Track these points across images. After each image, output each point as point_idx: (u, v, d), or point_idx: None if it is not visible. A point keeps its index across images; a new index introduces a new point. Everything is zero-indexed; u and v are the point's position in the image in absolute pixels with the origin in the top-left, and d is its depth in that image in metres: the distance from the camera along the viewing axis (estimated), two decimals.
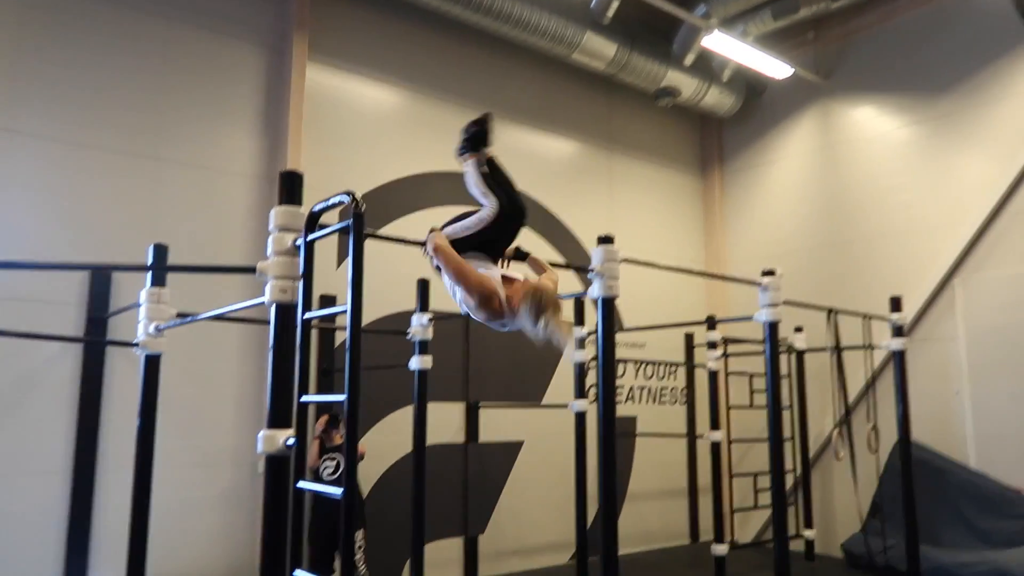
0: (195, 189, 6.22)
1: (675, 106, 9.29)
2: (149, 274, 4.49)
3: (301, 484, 2.98)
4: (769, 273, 5.23)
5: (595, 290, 4.29)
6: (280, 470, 2.97)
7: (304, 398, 3.02)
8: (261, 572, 2.92)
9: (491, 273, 3.49)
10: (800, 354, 8.17)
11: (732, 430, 8.09)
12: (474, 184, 3.65)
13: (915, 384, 6.89)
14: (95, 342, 5.46)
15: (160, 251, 4.50)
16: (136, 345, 4.45)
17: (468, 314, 3.54)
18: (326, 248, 6.46)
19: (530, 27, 7.57)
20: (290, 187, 3.20)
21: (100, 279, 5.61)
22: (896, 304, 6.37)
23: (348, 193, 3.00)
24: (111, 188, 5.82)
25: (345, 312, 2.86)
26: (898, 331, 6.30)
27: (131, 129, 5.96)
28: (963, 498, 7.08)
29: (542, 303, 3.32)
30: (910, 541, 5.99)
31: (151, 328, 4.41)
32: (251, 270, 3.21)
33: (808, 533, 8.00)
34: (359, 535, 5.81)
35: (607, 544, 4.14)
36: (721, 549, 7.19)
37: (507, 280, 3.50)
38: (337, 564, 5.65)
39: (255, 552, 5.97)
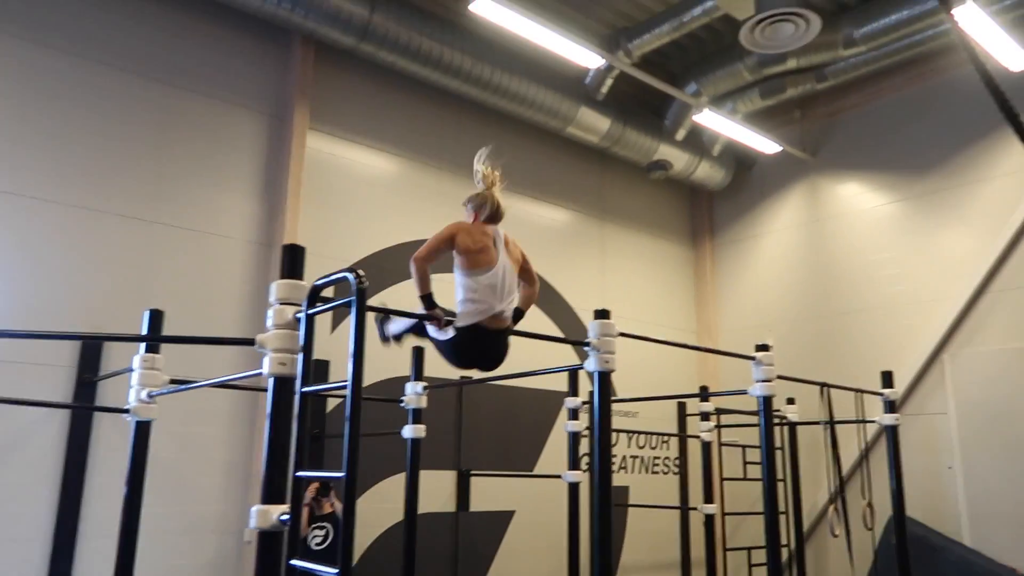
0: (192, 253, 6.26)
1: (667, 179, 9.49)
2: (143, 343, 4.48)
3: (294, 562, 2.92)
4: (763, 348, 5.26)
5: (591, 364, 4.31)
6: (273, 546, 2.92)
7: (300, 473, 2.99)
8: None
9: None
10: (793, 426, 8.15)
11: (725, 502, 8.00)
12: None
13: (908, 458, 6.87)
14: (85, 408, 5.41)
15: (156, 317, 4.50)
16: (127, 412, 4.41)
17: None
18: (320, 316, 6.46)
19: (526, 102, 7.78)
20: (292, 260, 3.24)
21: (91, 344, 5.58)
22: (888, 379, 6.41)
23: (351, 270, 3.03)
24: (108, 250, 5.85)
25: (345, 387, 2.86)
26: (890, 407, 6.32)
27: (130, 193, 6.02)
28: None
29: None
30: None
31: (143, 394, 4.37)
32: (250, 342, 3.22)
33: None
34: None
35: None
36: None
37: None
38: None
39: None
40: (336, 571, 2.68)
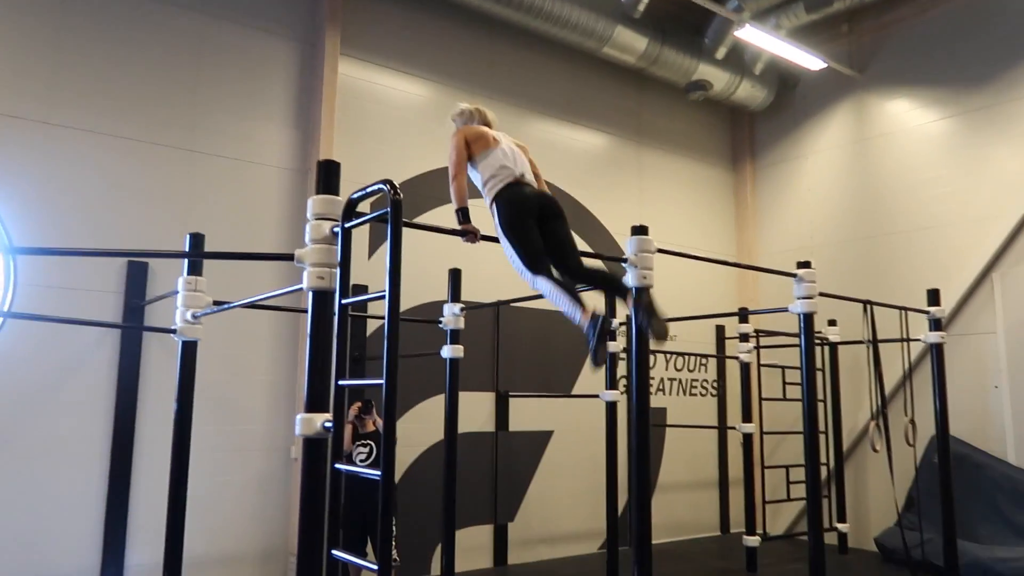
0: (228, 180, 6.31)
1: (706, 100, 9.22)
2: (185, 262, 4.57)
3: (338, 466, 3.02)
4: (804, 265, 5.18)
5: (629, 280, 4.28)
6: (317, 452, 3.02)
7: (341, 382, 3.06)
8: (299, 551, 2.97)
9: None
10: (834, 347, 8.08)
11: (764, 422, 8.02)
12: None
13: (953, 378, 6.78)
14: (133, 328, 5.58)
15: (196, 240, 4.58)
16: (174, 332, 4.53)
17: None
18: (358, 240, 6.52)
19: (560, 21, 7.56)
20: (327, 176, 3.24)
21: (137, 268, 5.73)
22: (934, 297, 6.27)
23: (385, 181, 3.03)
24: (147, 179, 5.94)
25: (383, 298, 2.89)
26: (936, 324, 6.21)
27: (166, 122, 6.06)
28: (1001, 493, 6.96)
29: None
30: (947, 536, 5.90)
31: (188, 315, 4.49)
32: (289, 257, 3.25)
33: (842, 526, 7.93)
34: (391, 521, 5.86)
35: (640, 533, 4.14)
36: (752, 540, 7.16)
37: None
38: (369, 549, 5.72)
39: (288, 535, 6.08)
40: (379, 473, 2.76)
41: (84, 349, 5.54)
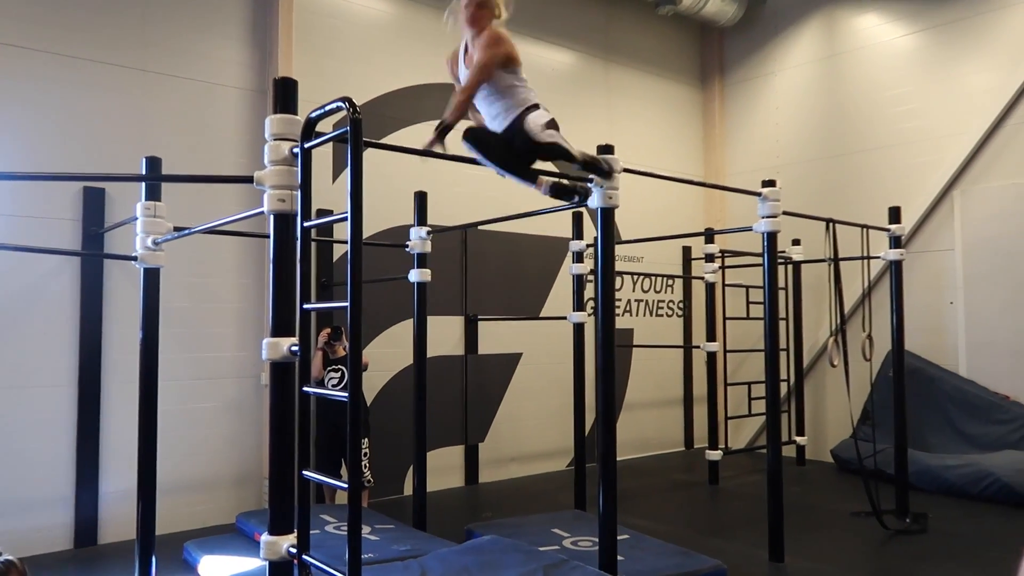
0: (184, 102, 6.10)
1: (675, 15, 9.03)
2: (143, 187, 4.44)
3: (306, 389, 3.03)
4: (769, 184, 5.19)
5: (594, 200, 4.26)
6: (285, 376, 3.02)
7: (306, 306, 3.04)
8: (270, 473, 3.01)
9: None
10: (797, 266, 8.22)
11: (728, 341, 8.21)
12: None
13: (910, 294, 6.96)
14: (94, 255, 5.47)
15: (153, 163, 4.44)
16: (135, 259, 4.44)
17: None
18: (321, 164, 6.39)
19: None
20: (285, 94, 3.14)
21: (94, 195, 5.57)
22: (895, 215, 6.35)
23: (344, 99, 2.94)
24: (99, 101, 5.71)
25: (345, 219, 2.85)
26: (896, 242, 6.31)
27: (116, 40, 5.80)
28: (952, 405, 7.26)
29: None
30: (899, 445, 6.16)
31: (148, 242, 4.39)
32: (248, 180, 3.18)
33: (800, 439, 8.24)
34: (363, 443, 5.96)
35: (606, 450, 4.25)
36: (715, 455, 7.42)
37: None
38: (343, 472, 5.83)
39: (262, 460, 6.16)
40: (346, 395, 2.77)
41: (43, 278, 5.43)
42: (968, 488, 6.50)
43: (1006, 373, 7.11)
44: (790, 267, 8.23)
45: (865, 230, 6.25)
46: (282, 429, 3.00)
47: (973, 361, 7.39)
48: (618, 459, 4.36)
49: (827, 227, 5.87)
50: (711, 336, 7.63)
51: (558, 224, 7.14)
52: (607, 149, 4.33)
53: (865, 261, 6.38)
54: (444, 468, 7.21)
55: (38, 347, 5.38)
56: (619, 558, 4.21)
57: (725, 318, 7.95)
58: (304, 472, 3.04)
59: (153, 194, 4.41)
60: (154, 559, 4.29)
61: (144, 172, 4.40)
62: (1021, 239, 7.10)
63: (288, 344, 2.96)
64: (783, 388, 7.11)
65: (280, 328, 3.00)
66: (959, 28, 7.75)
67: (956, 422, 7.19)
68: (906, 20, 8.17)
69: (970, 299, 7.45)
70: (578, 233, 6.55)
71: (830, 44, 8.83)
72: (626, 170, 4.37)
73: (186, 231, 4.31)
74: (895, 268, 6.32)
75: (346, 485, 2.82)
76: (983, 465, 6.52)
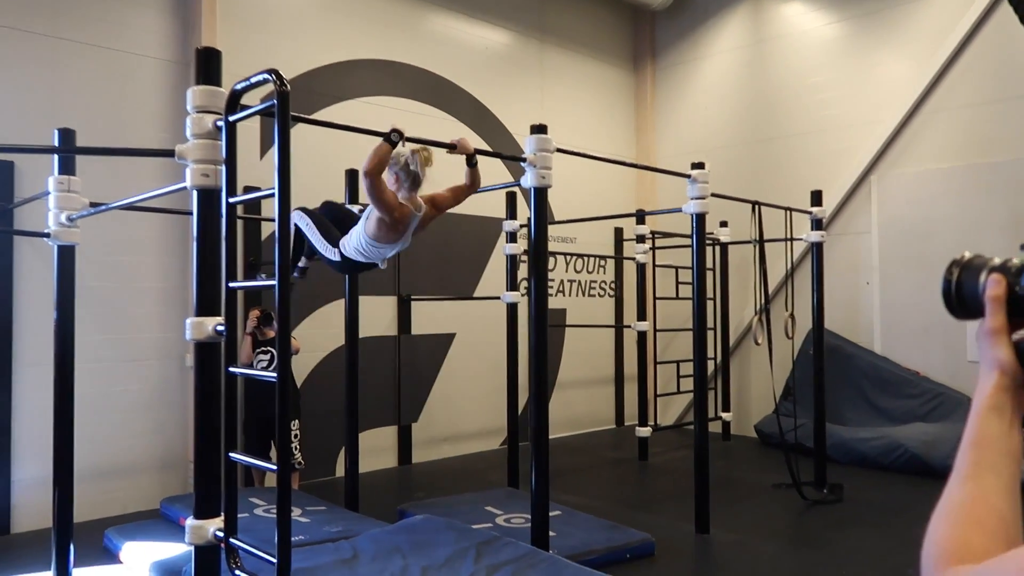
0: (100, 72, 5.82)
1: None
2: (56, 160, 4.22)
3: (232, 369, 2.96)
4: (698, 166, 5.30)
5: (528, 180, 4.27)
6: (210, 357, 2.94)
7: (232, 284, 2.96)
8: (195, 456, 2.93)
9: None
10: (724, 247, 8.43)
11: (658, 320, 8.37)
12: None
13: (830, 275, 7.22)
14: (2, 232, 5.19)
15: (67, 135, 4.23)
16: (47, 236, 4.23)
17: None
18: (248, 139, 6.20)
19: None
20: (207, 64, 3.03)
21: (2, 169, 5.27)
22: (816, 198, 6.57)
23: (271, 71, 2.86)
24: (7, 70, 5.40)
25: (273, 195, 2.78)
26: (817, 224, 6.53)
27: (25, 5, 5.47)
28: (867, 380, 7.60)
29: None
30: (817, 420, 6.41)
31: (62, 218, 4.19)
32: (169, 154, 3.06)
33: (726, 415, 8.50)
34: (294, 425, 5.87)
35: (538, 428, 4.30)
36: (644, 431, 7.59)
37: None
38: (272, 454, 5.72)
39: (187, 443, 5.99)
40: (275, 376, 2.72)
41: None
42: (880, 459, 6.83)
43: (917, 350, 7.47)
44: (718, 248, 8.43)
45: (789, 213, 6.44)
46: (207, 410, 2.92)
47: (887, 339, 7.74)
48: (550, 437, 4.41)
49: (753, 209, 6.03)
50: (642, 316, 7.77)
51: (492, 204, 7.13)
52: (540, 128, 4.34)
53: (788, 243, 6.59)
54: (377, 449, 7.16)
55: None
56: (551, 534, 4.28)
57: (655, 298, 8.11)
58: (231, 454, 2.98)
59: (67, 168, 4.20)
60: (72, 547, 4.14)
61: (56, 143, 4.18)
62: (933, 223, 7.44)
63: (213, 324, 2.88)
64: (710, 366, 7.29)
65: (204, 307, 2.92)
66: (878, 18, 8.02)
67: (871, 397, 7.53)
68: (829, 9, 8.41)
69: (885, 280, 7.79)
70: (511, 213, 6.55)
71: (757, 31, 9.03)
72: (559, 150, 4.39)
73: (103, 207, 4.13)
74: (816, 250, 6.55)
75: (275, 467, 2.77)
76: (894, 437, 6.86)
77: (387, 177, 3.80)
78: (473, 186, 4.06)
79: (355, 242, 3.95)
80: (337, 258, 4.08)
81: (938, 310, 0.98)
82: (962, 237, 7.15)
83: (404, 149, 3.75)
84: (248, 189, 5.89)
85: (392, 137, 3.56)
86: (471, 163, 3.98)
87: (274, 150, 2.82)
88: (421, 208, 3.92)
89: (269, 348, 5.86)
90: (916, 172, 7.63)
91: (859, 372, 7.67)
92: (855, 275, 8.03)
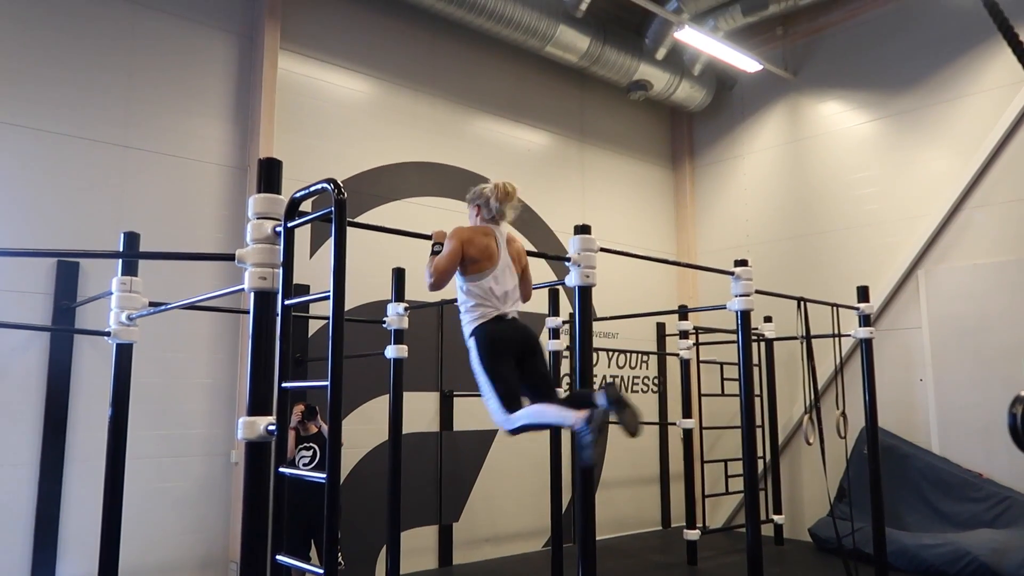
0: (164, 178, 6.14)
1: (647, 100, 9.37)
2: (120, 262, 4.42)
3: (283, 470, 2.97)
4: (741, 263, 5.31)
5: (572, 279, 4.32)
6: (260, 456, 2.96)
7: (285, 384, 3.01)
8: (242, 557, 2.91)
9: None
10: (770, 343, 8.32)
11: (704, 417, 8.21)
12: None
13: (881, 372, 7.04)
14: (65, 331, 5.38)
15: (131, 239, 4.44)
16: (107, 334, 4.38)
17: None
18: (299, 239, 6.41)
19: (503, 19, 7.58)
20: (269, 174, 3.18)
21: (67, 268, 5.52)
22: (863, 294, 6.51)
23: (329, 181, 2.99)
24: (79, 177, 5.73)
25: (327, 299, 2.86)
26: (865, 320, 6.44)
27: (99, 117, 5.86)
28: (926, 482, 7.28)
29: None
30: (876, 524, 6.13)
31: (123, 317, 4.34)
32: (230, 257, 3.18)
33: (777, 518, 8.17)
34: None
35: (584, 530, 4.19)
36: (693, 534, 7.32)
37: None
38: (313, 553, 5.65)
39: (228, 542, 5.96)
40: (324, 476, 2.72)
41: (10, 352, 5.31)
42: (947, 568, 6.45)
43: (978, 450, 7.17)
44: (763, 344, 8.33)
45: (835, 309, 6.37)
46: (256, 511, 2.92)
47: (945, 438, 7.45)
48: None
49: (798, 305, 5.98)
50: (687, 413, 7.63)
51: (534, 301, 7.17)
52: (584, 228, 4.42)
53: (836, 339, 6.48)
54: (417, 549, 7.02)
55: (1, 423, 5.21)
56: None
57: (700, 395, 7.97)
58: (277, 557, 2.95)
59: (130, 269, 4.39)
60: None
61: (122, 247, 4.39)
62: (986, 317, 7.28)
63: (265, 423, 2.92)
64: (759, 465, 7.08)
65: (257, 407, 2.96)
66: (917, 116, 8.12)
67: (931, 500, 7.20)
68: (865, 108, 8.55)
69: (939, 376, 7.57)
70: (554, 310, 6.59)
71: (795, 129, 9.19)
72: (603, 249, 4.44)
73: (163, 307, 4.27)
74: (865, 346, 6.43)
75: (321, 571, 2.74)
76: (960, 544, 6.50)
77: (469, 211, 4.02)
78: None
79: (466, 301, 3.83)
80: (474, 350, 3.82)
81: (998, 408, 0.97)
82: (1019, 331, 6.97)
83: (487, 184, 3.96)
84: (298, 287, 6.05)
85: (434, 248, 3.73)
86: None
87: (327, 252, 2.92)
88: (500, 228, 3.93)
89: (312, 444, 5.87)
90: (965, 267, 7.53)
91: (917, 473, 7.36)
92: (907, 372, 7.82)
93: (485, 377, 3.73)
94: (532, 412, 3.65)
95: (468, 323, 3.86)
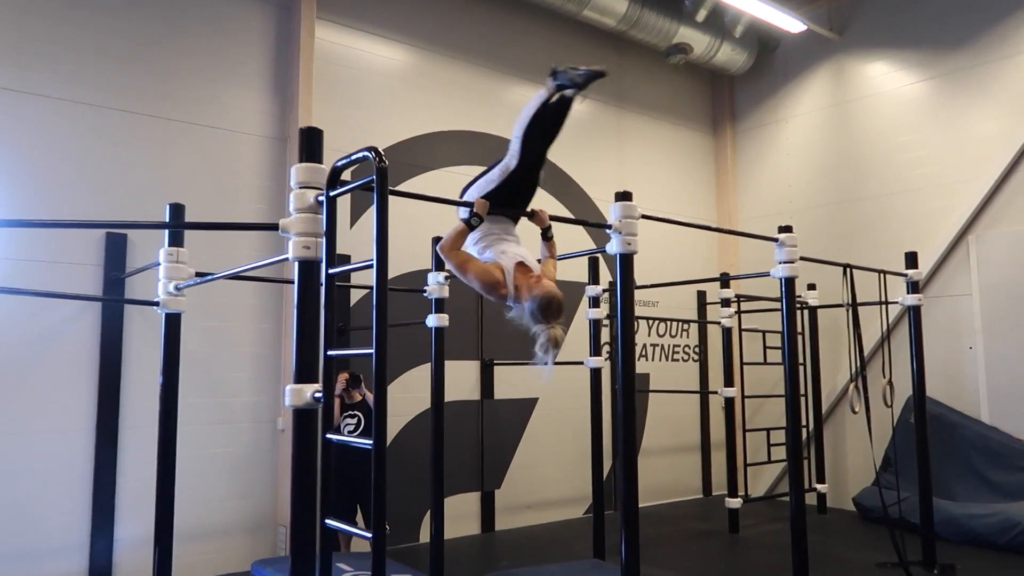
0: (206, 150, 6.21)
1: (686, 63, 9.17)
2: (167, 233, 4.50)
3: (329, 436, 3.02)
4: (786, 229, 5.21)
5: (613, 246, 4.28)
6: (308, 423, 3.01)
7: (330, 352, 3.04)
8: (292, 522, 2.97)
9: (504, 257, 3.65)
10: (813, 311, 8.18)
11: (745, 386, 8.13)
12: (524, 116, 3.83)
13: (929, 340, 6.89)
14: (116, 301, 5.51)
15: (177, 210, 4.51)
16: (157, 304, 4.48)
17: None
18: (340, 209, 6.45)
19: None
20: (310, 143, 3.18)
21: (116, 241, 5.64)
22: (912, 260, 6.34)
23: (370, 149, 2.99)
24: (123, 149, 5.82)
25: (370, 267, 2.87)
26: (913, 287, 6.29)
27: (140, 90, 5.93)
28: (975, 452, 7.14)
29: (550, 310, 3.49)
30: (923, 494, 6.04)
31: (171, 287, 4.44)
32: (274, 227, 3.22)
33: (821, 487, 8.10)
34: None
35: (627, 497, 4.19)
36: (734, 502, 7.30)
37: (523, 268, 3.63)
38: (359, 518, 5.77)
39: (276, 507, 6.11)
40: (371, 442, 2.76)
41: (64, 323, 5.47)
42: (995, 538, 6.35)
43: None
44: (806, 312, 8.19)
45: (882, 276, 6.23)
46: (305, 477, 2.97)
47: (995, 407, 7.29)
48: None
49: (844, 272, 5.86)
50: (728, 382, 7.57)
51: (574, 269, 7.16)
52: (625, 195, 4.36)
53: (883, 306, 6.35)
54: (460, 515, 7.12)
55: (57, 392, 5.39)
56: None
57: (743, 363, 7.89)
58: (327, 521, 3.02)
59: (176, 240, 4.47)
60: None
61: (168, 218, 4.46)
62: None
63: (312, 391, 2.96)
64: (803, 434, 7.01)
65: (304, 375, 3.00)
66: (966, 76, 7.83)
67: (980, 469, 7.06)
68: (913, 69, 8.26)
69: (989, 344, 7.38)
70: (594, 278, 6.55)
71: (839, 92, 8.93)
72: (645, 216, 4.39)
73: (209, 277, 4.35)
74: (913, 313, 6.29)
75: (369, 535, 2.79)
76: (1011, 514, 6.39)
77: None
78: (552, 257, 4.08)
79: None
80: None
81: None
82: None
83: (541, 331, 3.56)
84: (340, 256, 6.09)
85: (472, 221, 3.66)
86: (547, 236, 4.01)
87: (369, 221, 2.92)
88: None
89: (356, 412, 5.97)
90: (1017, 231, 7.29)
91: (966, 443, 7.22)
92: (956, 340, 7.64)
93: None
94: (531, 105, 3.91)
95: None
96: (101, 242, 5.61)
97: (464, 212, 3.77)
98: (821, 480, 8.16)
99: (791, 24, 8.44)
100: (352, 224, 6.71)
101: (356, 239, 6.46)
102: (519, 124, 3.81)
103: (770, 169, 9.55)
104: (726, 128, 9.95)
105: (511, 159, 3.80)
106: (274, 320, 6.37)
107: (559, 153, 8.38)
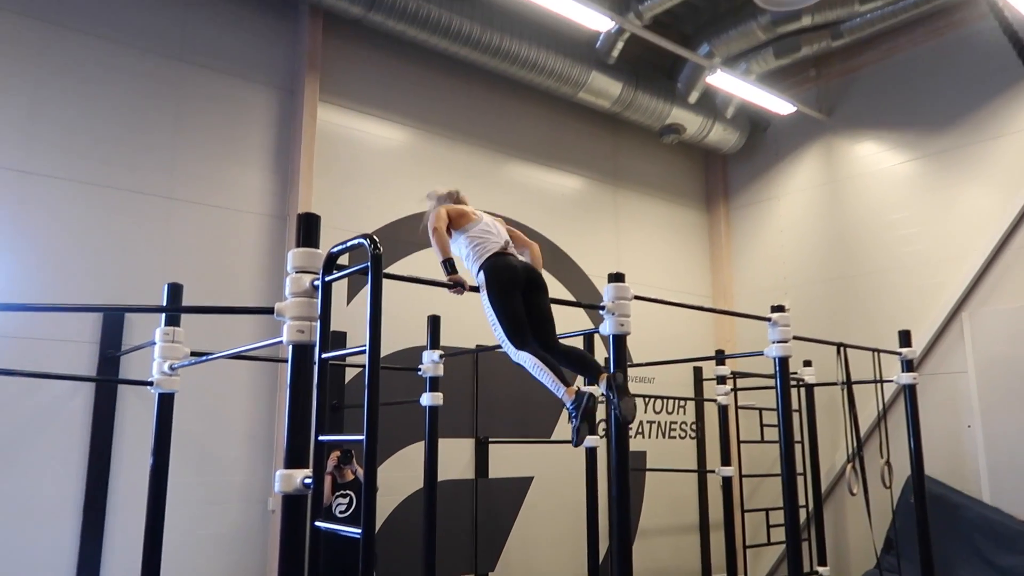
0: (207, 227, 6.30)
1: (680, 143, 9.40)
2: (163, 314, 4.54)
3: (319, 524, 2.98)
4: (779, 309, 5.25)
5: (606, 327, 4.32)
6: (297, 509, 2.98)
7: (321, 438, 3.04)
8: None
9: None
10: (810, 388, 8.16)
11: (743, 465, 8.05)
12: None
13: (927, 418, 6.86)
14: (109, 381, 5.50)
15: (175, 290, 4.56)
16: (150, 384, 4.48)
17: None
18: (335, 287, 6.50)
19: (536, 67, 7.71)
20: (308, 229, 3.25)
21: (112, 319, 5.66)
22: (905, 338, 6.38)
23: (366, 236, 3.05)
24: (124, 227, 5.90)
25: (363, 352, 2.89)
26: (908, 365, 6.30)
27: (144, 168, 6.06)
28: (978, 533, 7.01)
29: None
30: None
31: (165, 367, 4.44)
32: (269, 311, 3.25)
33: (822, 570, 7.90)
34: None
35: None
36: None
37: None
38: None
39: None
40: (359, 531, 2.73)
41: (56, 401, 5.44)
42: None
43: None
44: (803, 389, 8.17)
45: (876, 354, 6.25)
46: (292, 564, 2.93)
47: (996, 486, 7.19)
48: None
49: (838, 351, 5.88)
50: (726, 460, 7.50)
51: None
52: (618, 276, 4.42)
53: (879, 386, 6.34)
54: None
55: (45, 472, 5.31)
56: None
57: (739, 441, 7.82)
58: None
59: (173, 320, 4.50)
60: None
61: (166, 299, 4.50)
62: None
63: (301, 476, 2.94)
64: (802, 515, 6.90)
65: (294, 460, 2.98)
66: (954, 156, 8.02)
67: (984, 552, 6.92)
68: (902, 148, 8.47)
69: (988, 422, 7.34)
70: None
71: (830, 170, 9.13)
72: (638, 297, 4.44)
73: (205, 357, 4.36)
74: (909, 392, 6.28)
75: None
76: None
77: (430, 204, 4.36)
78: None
79: (465, 250, 4.16)
80: (484, 288, 4.04)
81: None
82: None
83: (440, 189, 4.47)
84: (335, 334, 6.12)
85: (450, 283, 3.97)
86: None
87: (363, 300, 2.95)
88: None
89: (348, 491, 5.88)
90: (1011, 309, 7.35)
91: (968, 524, 7.09)
92: (954, 418, 7.60)
93: (494, 312, 3.97)
94: (533, 364, 3.95)
95: (475, 261, 4.08)
96: (98, 320, 5.63)
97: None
98: (823, 562, 7.97)
99: (780, 106, 8.70)
100: (348, 301, 6.76)
101: (352, 316, 6.49)
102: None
103: (764, 245, 9.68)
104: (720, 205, 10.13)
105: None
106: (268, 398, 6.34)
107: (556, 230, 8.55)
